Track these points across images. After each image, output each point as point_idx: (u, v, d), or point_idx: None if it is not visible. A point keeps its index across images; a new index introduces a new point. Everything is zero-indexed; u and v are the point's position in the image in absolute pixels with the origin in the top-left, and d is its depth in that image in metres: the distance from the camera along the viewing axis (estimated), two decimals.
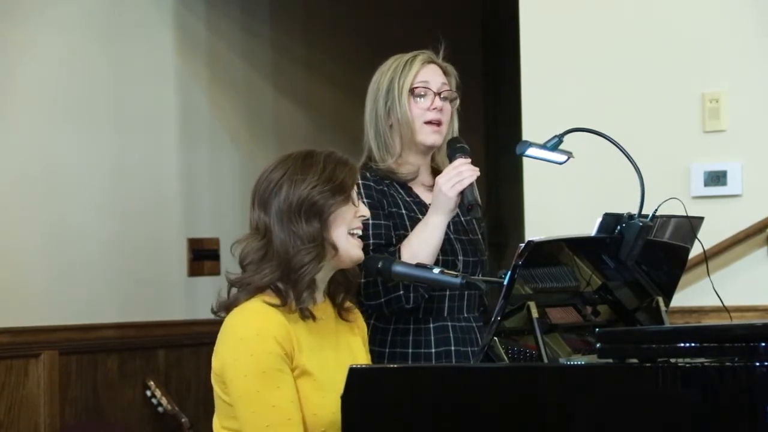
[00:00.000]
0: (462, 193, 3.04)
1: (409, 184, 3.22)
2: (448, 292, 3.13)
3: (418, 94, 3.18)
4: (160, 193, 5.36)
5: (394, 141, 3.19)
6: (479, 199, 3.06)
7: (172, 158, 5.42)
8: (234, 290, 2.72)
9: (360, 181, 3.10)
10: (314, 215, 2.69)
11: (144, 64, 5.31)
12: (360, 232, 2.79)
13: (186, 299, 5.46)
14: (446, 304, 3.15)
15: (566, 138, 3.08)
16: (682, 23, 4.24)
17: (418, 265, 2.90)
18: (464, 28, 7.44)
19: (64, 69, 4.98)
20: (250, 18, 5.90)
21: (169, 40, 5.44)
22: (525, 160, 4.24)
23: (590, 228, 2.76)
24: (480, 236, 3.28)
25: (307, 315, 2.69)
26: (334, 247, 2.71)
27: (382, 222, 3.10)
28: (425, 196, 3.19)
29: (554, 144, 3.09)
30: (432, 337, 3.13)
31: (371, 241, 3.05)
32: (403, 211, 3.15)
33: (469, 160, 3.11)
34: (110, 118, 5.15)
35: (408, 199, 3.19)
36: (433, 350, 3.12)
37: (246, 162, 5.73)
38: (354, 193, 2.77)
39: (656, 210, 2.80)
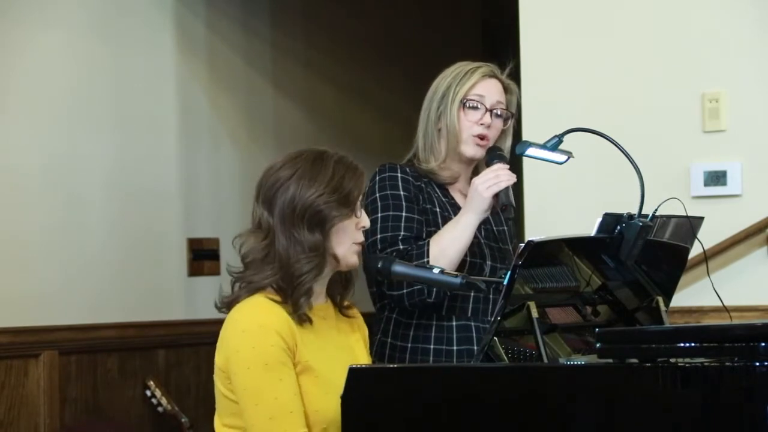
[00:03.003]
0: (497, 195, 3.06)
1: (447, 186, 3.24)
2: (472, 293, 3.14)
3: (471, 106, 3.19)
4: (160, 193, 5.36)
5: (440, 146, 3.21)
6: (514, 202, 3.07)
7: (172, 158, 5.42)
8: (236, 287, 2.72)
9: (399, 175, 3.13)
10: (317, 225, 2.67)
11: (144, 63, 5.31)
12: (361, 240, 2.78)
13: (186, 299, 5.46)
14: (470, 305, 3.16)
15: (566, 138, 3.08)
16: (682, 23, 4.24)
17: (418, 265, 2.90)
18: (464, 29, 7.44)
19: (63, 68, 4.97)
20: (250, 18, 5.90)
21: (169, 40, 5.44)
22: (525, 160, 4.24)
23: (590, 228, 2.76)
24: (510, 247, 3.29)
25: (304, 320, 2.69)
26: (336, 258, 2.71)
27: (416, 216, 3.12)
28: (461, 201, 3.21)
29: (554, 144, 3.10)
30: (454, 335, 3.14)
31: (401, 233, 3.07)
32: (437, 210, 3.17)
33: (508, 166, 3.12)
34: (110, 118, 5.14)
35: (444, 199, 3.21)
36: (455, 348, 3.12)
37: (246, 162, 5.73)
38: (358, 204, 2.76)
39: (656, 210, 2.80)
